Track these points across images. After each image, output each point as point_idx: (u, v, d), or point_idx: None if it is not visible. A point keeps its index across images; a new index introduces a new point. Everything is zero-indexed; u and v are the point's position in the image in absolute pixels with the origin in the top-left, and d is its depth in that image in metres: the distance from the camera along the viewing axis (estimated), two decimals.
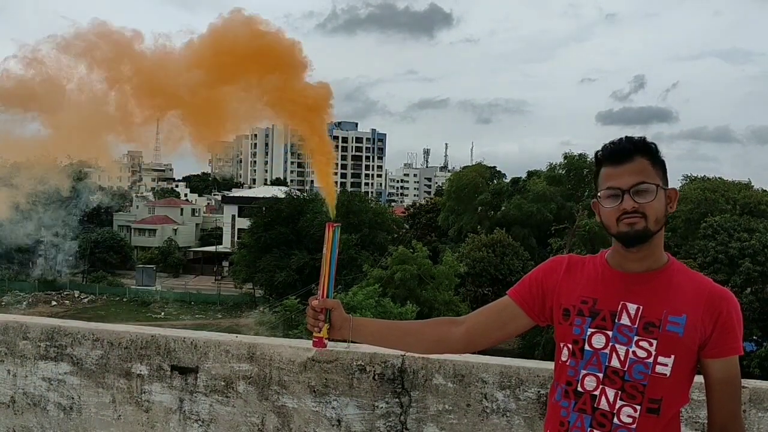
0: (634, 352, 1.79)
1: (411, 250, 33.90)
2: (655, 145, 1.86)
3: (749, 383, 2.66)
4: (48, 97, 2.46)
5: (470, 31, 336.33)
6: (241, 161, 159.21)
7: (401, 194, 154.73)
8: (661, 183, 1.84)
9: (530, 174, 56.59)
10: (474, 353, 2.70)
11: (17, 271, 59.63)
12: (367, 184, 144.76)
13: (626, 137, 1.87)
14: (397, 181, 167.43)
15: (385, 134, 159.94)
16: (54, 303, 51.09)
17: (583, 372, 1.84)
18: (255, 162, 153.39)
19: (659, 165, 1.85)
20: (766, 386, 2.65)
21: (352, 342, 2.15)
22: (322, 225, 2.13)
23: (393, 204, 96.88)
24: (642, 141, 1.86)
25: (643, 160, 1.83)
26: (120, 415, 3.34)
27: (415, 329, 2.15)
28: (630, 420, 1.79)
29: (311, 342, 2.12)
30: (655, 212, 1.80)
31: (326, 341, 2.09)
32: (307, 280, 38.90)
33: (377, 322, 2.18)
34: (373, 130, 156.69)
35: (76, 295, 54.12)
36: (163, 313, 48.72)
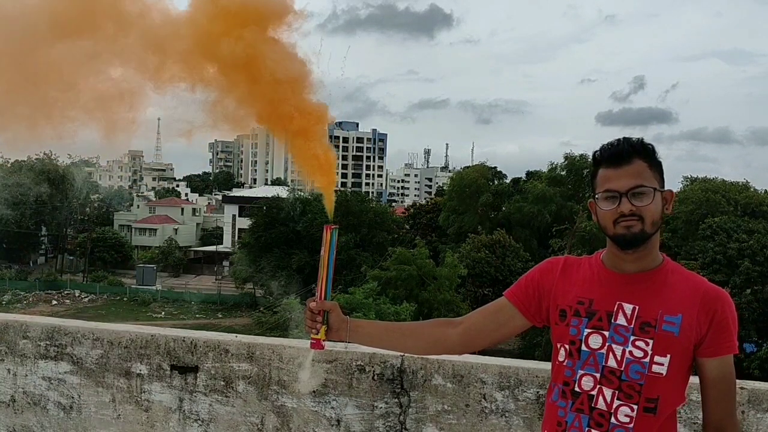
0: (630, 352, 1.80)
1: (412, 250, 33.90)
2: (652, 146, 1.87)
3: (748, 384, 2.67)
4: None
5: (470, 31, 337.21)
6: (242, 161, 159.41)
7: (402, 194, 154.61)
8: (658, 185, 1.84)
9: (530, 174, 56.54)
10: (472, 353, 2.71)
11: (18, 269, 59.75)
12: (367, 184, 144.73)
13: (624, 139, 1.87)
14: (398, 181, 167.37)
15: (386, 134, 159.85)
16: (54, 302, 51.07)
17: (580, 372, 1.85)
18: (256, 162, 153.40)
19: (656, 167, 1.86)
20: (765, 387, 2.66)
21: (349, 343, 2.15)
22: (321, 226, 2.13)
23: (394, 204, 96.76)
24: (640, 143, 1.87)
25: (641, 163, 1.84)
26: (120, 415, 3.35)
27: (412, 330, 2.15)
28: (627, 419, 1.79)
29: (309, 343, 2.13)
30: (651, 215, 1.81)
31: (324, 343, 2.10)
32: (308, 280, 38.87)
33: (375, 323, 2.18)
34: (374, 130, 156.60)
35: (77, 295, 54.09)
36: (163, 313, 48.72)
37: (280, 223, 46.52)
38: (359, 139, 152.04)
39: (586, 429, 1.83)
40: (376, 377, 2.98)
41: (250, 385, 3.15)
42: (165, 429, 3.27)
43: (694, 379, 1.89)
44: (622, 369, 1.80)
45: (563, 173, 51.88)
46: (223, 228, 72.14)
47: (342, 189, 77.46)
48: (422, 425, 2.92)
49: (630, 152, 1.84)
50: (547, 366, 2.77)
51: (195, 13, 2.19)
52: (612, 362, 1.81)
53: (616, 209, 1.81)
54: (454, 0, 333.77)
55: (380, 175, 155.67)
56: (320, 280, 2.11)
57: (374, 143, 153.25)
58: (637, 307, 1.82)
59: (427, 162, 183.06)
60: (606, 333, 1.83)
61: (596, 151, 1.90)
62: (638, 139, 1.88)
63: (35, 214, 62.81)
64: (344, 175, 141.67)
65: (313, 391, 3.06)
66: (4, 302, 48.39)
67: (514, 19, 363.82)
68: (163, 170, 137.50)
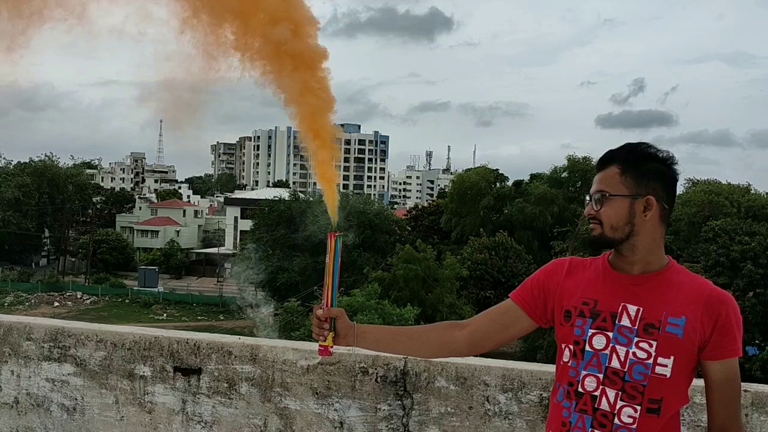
0: (634, 353, 1.81)
1: (417, 251, 33.88)
2: (638, 152, 1.87)
3: (751, 387, 2.66)
4: None
5: (470, 34, 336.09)
6: (243, 162, 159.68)
7: (404, 196, 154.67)
8: (627, 191, 1.84)
9: (534, 177, 56.51)
10: (477, 356, 2.71)
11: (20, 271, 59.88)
12: (369, 186, 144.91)
13: (627, 144, 1.91)
14: (400, 184, 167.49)
15: (387, 136, 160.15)
16: (56, 304, 51.12)
17: (584, 373, 1.86)
18: (258, 164, 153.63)
19: (633, 173, 1.85)
20: None
21: (356, 347, 2.16)
22: (324, 228, 2.13)
23: (396, 206, 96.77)
24: (624, 148, 1.90)
25: (614, 169, 1.87)
26: (123, 416, 3.35)
27: (418, 334, 2.16)
28: (630, 420, 1.80)
29: (316, 347, 2.14)
30: (609, 220, 1.85)
31: (332, 349, 2.11)
32: (307, 282, 38.86)
33: (381, 328, 2.20)
34: (376, 132, 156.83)
35: (79, 296, 54.13)
36: (165, 315, 48.75)
37: (281, 225, 46.53)
38: (361, 141, 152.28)
39: (590, 429, 1.83)
40: (379, 379, 2.99)
41: (253, 387, 3.16)
42: (168, 431, 3.28)
43: (698, 382, 1.89)
44: (625, 370, 1.81)
45: (565, 174, 51.89)
46: (225, 230, 72.20)
47: (343, 191, 77.50)
48: (425, 427, 2.92)
49: (609, 159, 1.89)
50: (550, 368, 2.78)
51: None
52: (615, 363, 1.82)
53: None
54: (454, 3, 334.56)
55: (382, 177, 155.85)
56: (326, 287, 2.12)
57: (376, 145, 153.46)
58: (641, 309, 1.83)
59: (429, 164, 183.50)
60: (610, 334, 1.84)
61: None
62: (635, 143, 1.90)
63: (37, 216, 62.97)
64: (346, 177, 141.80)
65: (316, 394, 3.06)
66: (6, 304, 48.46)
67: (514, 22, 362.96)
68: (165, 172, 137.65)
